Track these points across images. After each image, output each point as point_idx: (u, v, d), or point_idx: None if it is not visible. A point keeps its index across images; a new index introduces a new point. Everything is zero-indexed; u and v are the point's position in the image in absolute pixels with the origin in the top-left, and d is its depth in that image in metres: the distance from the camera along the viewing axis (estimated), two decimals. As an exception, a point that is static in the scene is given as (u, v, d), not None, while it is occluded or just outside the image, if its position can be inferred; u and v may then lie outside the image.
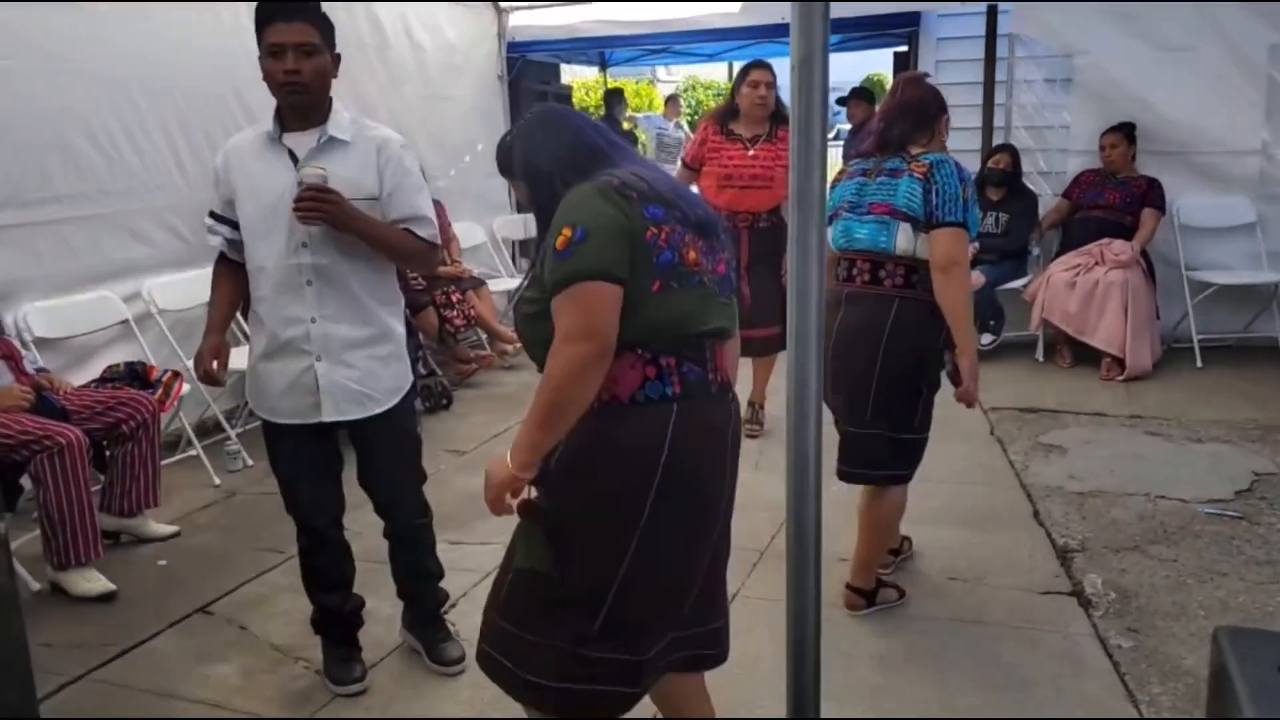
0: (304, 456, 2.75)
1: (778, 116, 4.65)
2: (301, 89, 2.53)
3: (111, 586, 3.41)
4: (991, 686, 2.72)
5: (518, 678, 1.95)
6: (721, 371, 1.93)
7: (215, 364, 2.70)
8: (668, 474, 1.81)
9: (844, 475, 3.08)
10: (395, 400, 2.76)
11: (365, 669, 2.87)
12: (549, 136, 1.96)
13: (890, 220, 2.88)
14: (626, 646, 1.89)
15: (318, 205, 2.50)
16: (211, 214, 2.73)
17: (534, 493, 1.93)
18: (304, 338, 2.62)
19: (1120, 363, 5.71)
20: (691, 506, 1.88)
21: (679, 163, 5.20)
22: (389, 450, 2.81)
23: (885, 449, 2.99)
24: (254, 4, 2.54)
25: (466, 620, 3.15)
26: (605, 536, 1.86)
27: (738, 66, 5.20)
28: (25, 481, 3.41)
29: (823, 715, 1.66)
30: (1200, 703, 2.50)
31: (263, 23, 2.51)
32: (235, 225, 2.67)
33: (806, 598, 1.59)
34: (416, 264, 3.01)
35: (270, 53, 2.51)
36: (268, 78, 2.55)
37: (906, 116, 2.99)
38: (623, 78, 15.71)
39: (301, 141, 2.61)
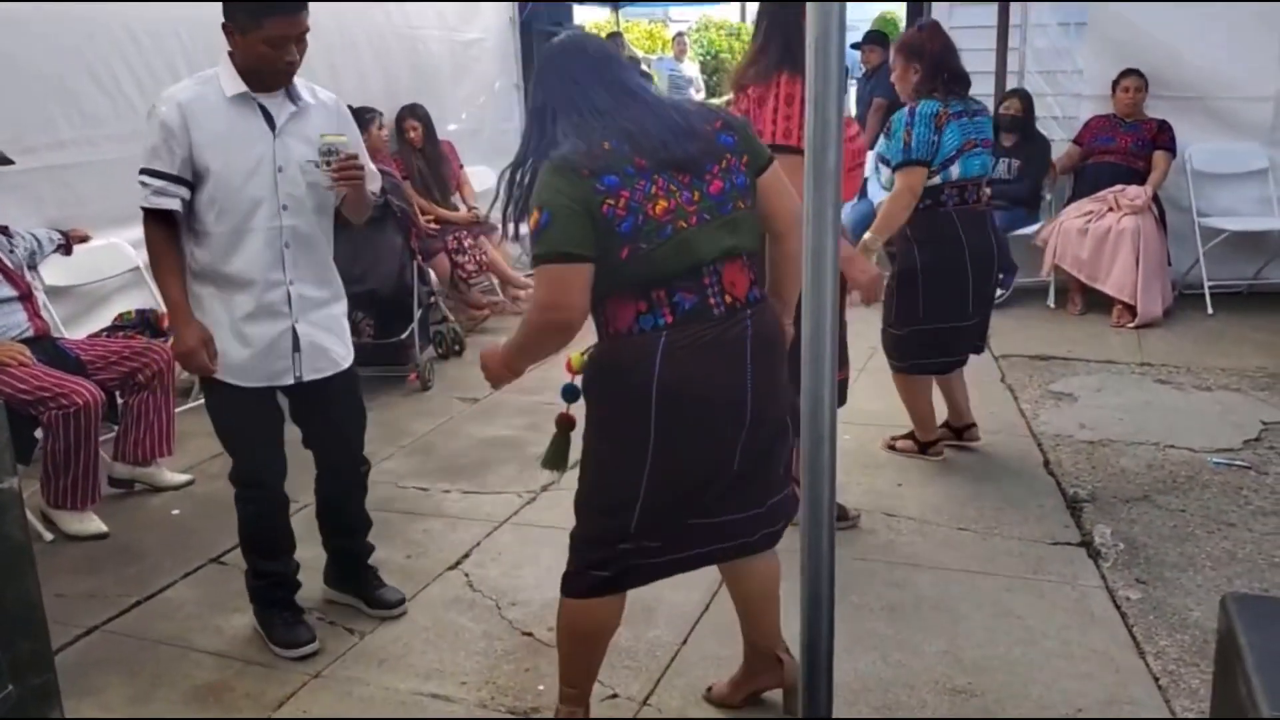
0: (265, 419, 2.74)
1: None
2: (295, 70, 2.57)
3: (104, 528, 3.48)
4: (999, 638, 2.75)
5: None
6: (730, 291, 2.01)
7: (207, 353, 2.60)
8: (662, 397, 1.97)
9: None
10: (353, 356, 2.84)
11: (313, 629, 2.84)
12: (560, 82, 2.05)
13: (989, 151, 3.67)
14: (646, 550, 2.08)
15: (354, 172, 2.56)
16: (160, 174, 2.52)
17: (569, 406, 2.23)
18: (282, 300, 2.65)
19: (1131, 310, 5.69)
20: (695, 424, 2.01)
21: None
22: (347, 405, 2.86)
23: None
24: None
25: (480, 571, 3.18)
26: (621, 454, 2.04)
27: (751, 8, 4.85)
28: (39, 433, 3.42)
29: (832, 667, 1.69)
30: (1207, 655, 2.53)
31: (262, 14, 2.43)
32: (189, 185, 2.54)
33: (820, 557, 1.61)
34: (363, 216, 2.87)
35: (272, 44, 2.47)
36: (263, 62, 2.50)
37: None
38: (635, 18, 15.47)
39: (270, 103, 2.59)
